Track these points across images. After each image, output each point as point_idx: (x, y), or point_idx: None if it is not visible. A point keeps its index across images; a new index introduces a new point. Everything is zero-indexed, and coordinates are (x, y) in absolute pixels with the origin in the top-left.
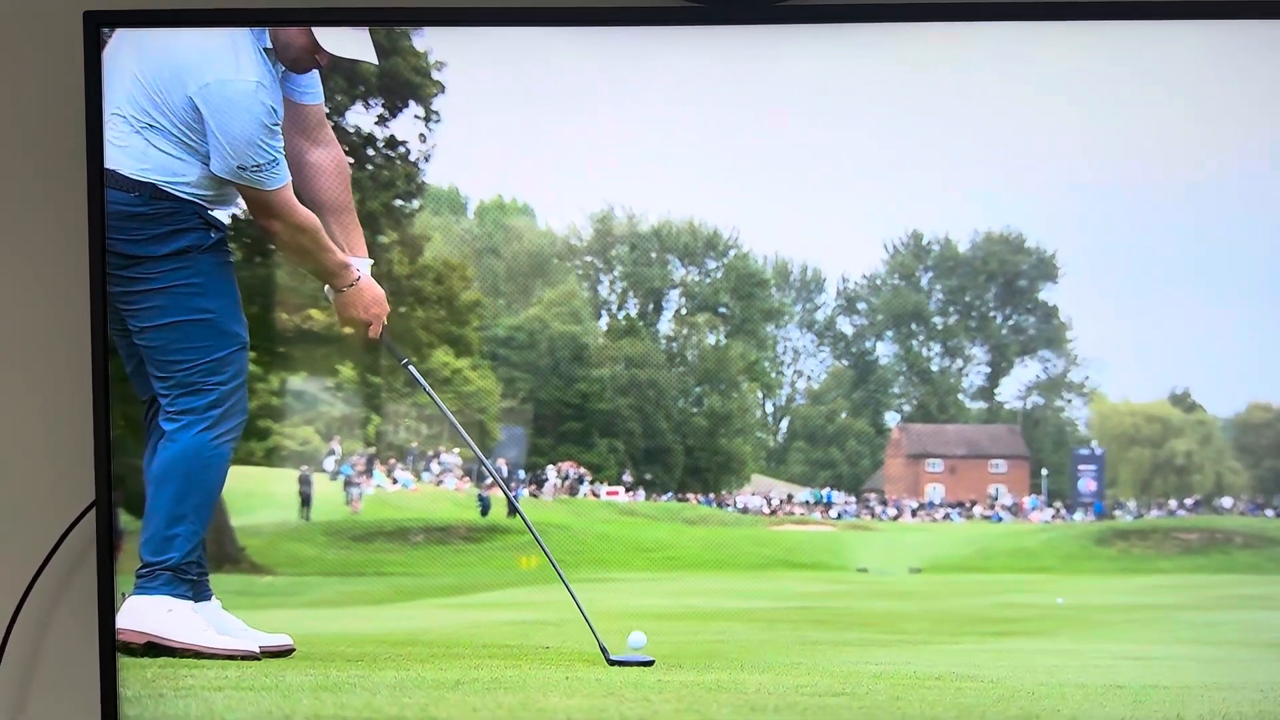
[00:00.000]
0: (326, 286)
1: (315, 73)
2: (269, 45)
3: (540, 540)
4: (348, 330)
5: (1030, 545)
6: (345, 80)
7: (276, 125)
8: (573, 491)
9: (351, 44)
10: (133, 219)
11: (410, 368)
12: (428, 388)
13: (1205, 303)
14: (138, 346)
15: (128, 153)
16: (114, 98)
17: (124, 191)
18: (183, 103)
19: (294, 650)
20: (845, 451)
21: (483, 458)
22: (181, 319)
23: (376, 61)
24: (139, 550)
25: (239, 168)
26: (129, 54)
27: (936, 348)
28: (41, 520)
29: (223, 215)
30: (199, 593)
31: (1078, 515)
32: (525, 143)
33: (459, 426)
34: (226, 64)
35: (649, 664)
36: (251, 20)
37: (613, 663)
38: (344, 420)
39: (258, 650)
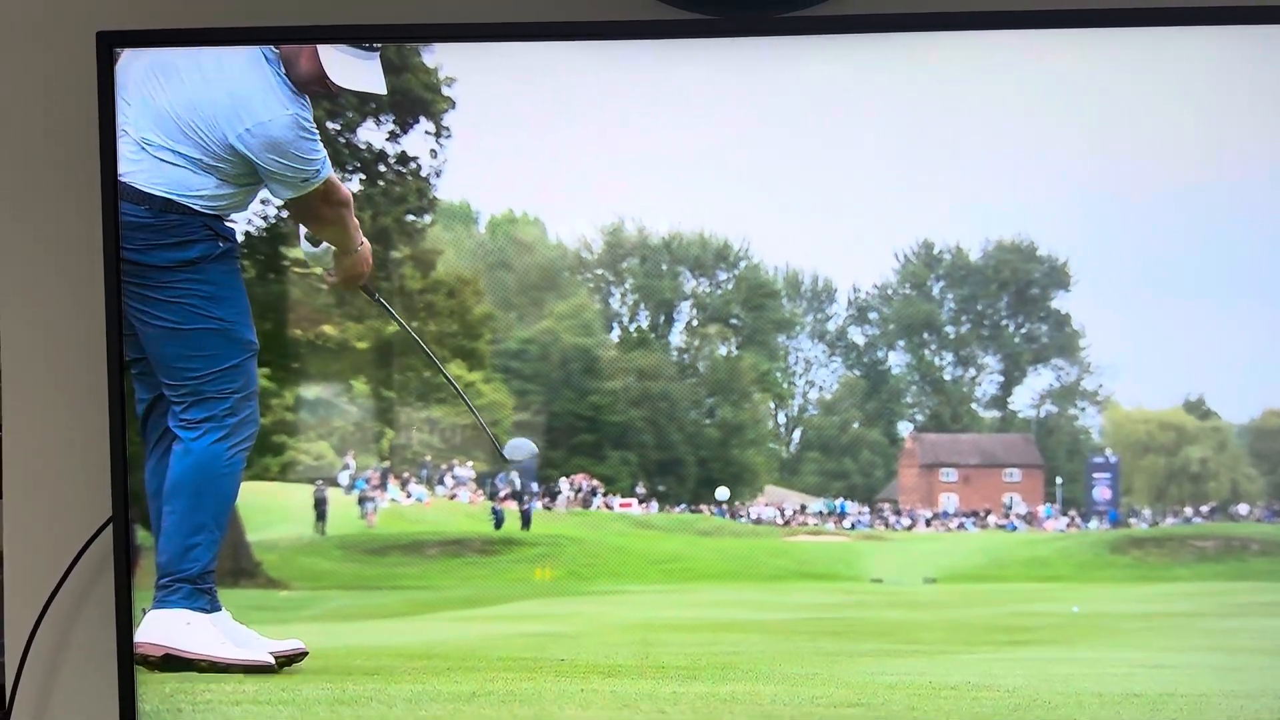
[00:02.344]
0: (332, 252)
1: None
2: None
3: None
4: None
5: (1045, 554)
6: (357, 98)
7: (315, 135)
8: (586, 504)
9: (360, 75)
10: (140, 230)
11: (381, 301)
12: (405, 325)
13: (1218, 309)
14: (146, 351)
15: (141, 166)
16: (134, 120)
17: (133, 204)
18: (222, 143)
19: (307, 654)
20: (858, 462)
21: (475, 408)
22: (193, 327)
23: (385, 92)
24: (158, 562)
25: (302, 182)
26: (154, 84)
27: (949, 357)
28: (59, 536)
29: (232, 225)
30: (213, 604)
31: (1093, 523)
32: (536, 157)
33: (450, 377)
34: (259, 105)
35: (534, 455)
36: (264, 39)
37: (504, 458)
38: (358, 434)
39: (273, 660)
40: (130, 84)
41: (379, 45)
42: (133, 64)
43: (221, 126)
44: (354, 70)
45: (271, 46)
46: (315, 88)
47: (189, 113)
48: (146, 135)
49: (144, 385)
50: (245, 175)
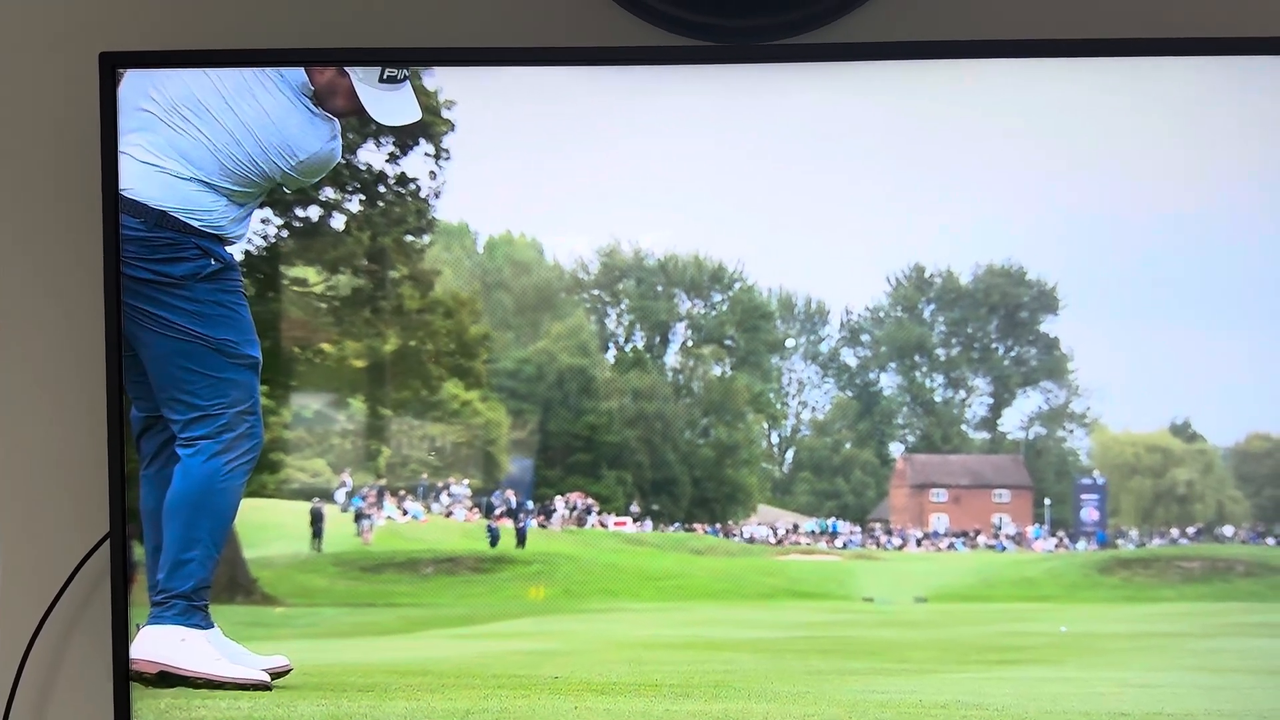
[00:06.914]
0: None
1: None
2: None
3: None
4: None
5: (1034, 574)
6: (357, 119)
7: (336, 136)
8: (581, 522)
9: (398, 109)
10: (130, 243)
11: None
12: None
13: (1205, 334)
14: (146, 369)
15: (147, 182)
16: (150, 147)
17: (129, 216)
18: (266, 175)
19: (291, 669)
20: (850, 482)
21: None
22: (182, 340)
23: (420, 116)
24: (154, 578)
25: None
26: (178, 119)
27: (939, 379)
28: (55, 551)
29: (228, 248)
30: (207, 620)
31: (1081, 544)
32: (534, 179)
33: None
34: (307, 138)
35: None
36: (264, 61)
37: None
38: (355, 452)
39: (268, 678)
40: (150, 119)
41: (405, 74)
42: (149, 98)
43: (274, 159)
44: (391, 105)
45: (308, 86)
46: (352, 119)
47: (237, 149)
48: (163, 162)
49: (137, 405)
50: (260, 195)
